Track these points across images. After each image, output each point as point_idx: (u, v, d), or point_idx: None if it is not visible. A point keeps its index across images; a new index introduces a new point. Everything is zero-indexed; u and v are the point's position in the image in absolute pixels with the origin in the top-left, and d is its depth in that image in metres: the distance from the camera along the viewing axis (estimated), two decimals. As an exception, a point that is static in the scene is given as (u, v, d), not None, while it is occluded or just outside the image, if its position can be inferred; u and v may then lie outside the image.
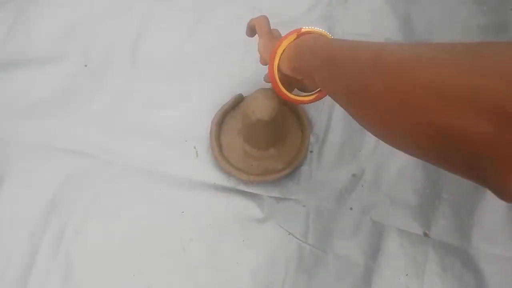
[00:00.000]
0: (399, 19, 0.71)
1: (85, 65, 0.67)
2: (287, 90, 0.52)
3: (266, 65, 0.54)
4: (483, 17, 0.71)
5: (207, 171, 0.60)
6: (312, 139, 0.61)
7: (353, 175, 0.60)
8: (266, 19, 0.58)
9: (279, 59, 0.49)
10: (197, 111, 0.63)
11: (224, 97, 0.63)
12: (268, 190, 0.58)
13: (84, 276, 0.54)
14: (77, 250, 0.55)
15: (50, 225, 0.56)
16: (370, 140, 0.61)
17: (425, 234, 0.56)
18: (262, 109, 0.53)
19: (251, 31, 0.60)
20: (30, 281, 0.53)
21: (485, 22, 0.71)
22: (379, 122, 0.34)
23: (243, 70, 0.67)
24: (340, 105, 0.40)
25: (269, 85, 0.61)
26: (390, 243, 0.56)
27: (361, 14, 0.72)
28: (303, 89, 0.55)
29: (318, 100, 0.51)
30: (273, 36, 0.55)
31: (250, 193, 0.58)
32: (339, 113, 0.64)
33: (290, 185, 0.59)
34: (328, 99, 0.65)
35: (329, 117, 0.63)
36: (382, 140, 0.35)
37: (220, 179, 0.59)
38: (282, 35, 0.52)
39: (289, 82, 0.53)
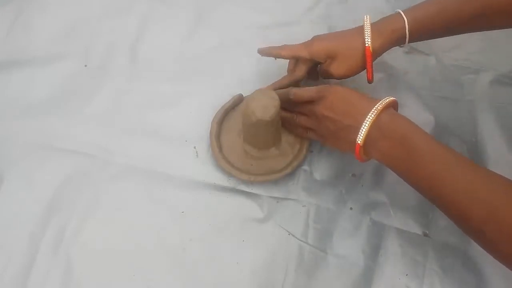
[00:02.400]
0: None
1: (85, 65, 0.67)
2: None
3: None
4: (483, 17, 0.71)
5: (207, 171, 0.60)
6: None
7: (353, 175, 0.59)
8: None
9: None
10: (197, 111, 0.63)
11: (224, 97, 0.63)
12: (268, 190, 0.58)
13: (84, 276, 0.54)
14: (77, 250, 0.55)
15: (50, 225, 0.56)
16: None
17: (425, 234, 0.56)
18: (262, 109, 0.53)
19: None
20: (30, 281, 0.53)
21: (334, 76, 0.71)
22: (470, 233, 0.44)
23: (243, 70, 0.67)
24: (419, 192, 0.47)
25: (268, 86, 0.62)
26: (390, 243, 0.56)
27: (361, 14, 0.71)
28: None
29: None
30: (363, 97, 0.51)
31: (250, 193, 0.58)
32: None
33: (290, 185, 0.59)
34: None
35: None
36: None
37: (220, 179, 0.59)
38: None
39: None
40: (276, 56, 0.62)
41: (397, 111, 0.51)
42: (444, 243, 0.55)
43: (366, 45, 0.55)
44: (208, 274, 0.54)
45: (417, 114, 0.64)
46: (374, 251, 0.55)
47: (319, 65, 0.61)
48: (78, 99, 0.64)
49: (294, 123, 0.58)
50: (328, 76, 0.59)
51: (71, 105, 0.64)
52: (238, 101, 0.63)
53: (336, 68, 0.57)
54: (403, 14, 0.55)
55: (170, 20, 0.71)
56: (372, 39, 0.55)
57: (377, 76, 0.66)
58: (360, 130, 0.48)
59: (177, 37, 0.69)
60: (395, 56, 0.68)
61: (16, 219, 0.56)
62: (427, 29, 0.56)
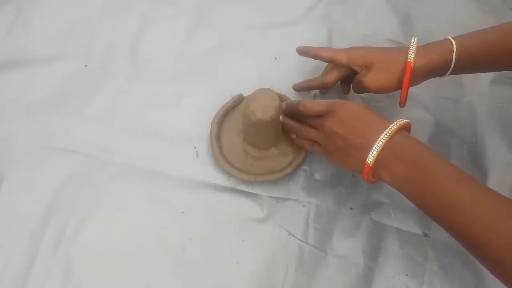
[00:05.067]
0: (399, 19, 0.71)
1: (85, 65, 0.67)
2: None
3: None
4: (483, 17, 0.71)
5: (207, 171, 0.60)
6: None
7: (353, 175, 0.59)
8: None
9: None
10: (197, 111, 0.63)
11: (224, 97, 0.63)
12: (268, 190, 0.58)
13: (84, 276, 0.54)
14: (77, 250, 0.55)
15: (50, 225, 0.56)
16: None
17: (425, 234, 0.56)
18: (262, 109, 0.53)
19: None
20: (30, 281, 0.53)
21: (485, 22, 0.71)
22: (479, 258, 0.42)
23: (243, 70, 0.67)
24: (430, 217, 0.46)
25: (269, 86, 0.62)
26: (390, 243, 0.56)
27: (361, 14, 0.72)
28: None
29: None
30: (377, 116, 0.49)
31: (250, 193, 0.58)
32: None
33: (290, 185, 0.59)
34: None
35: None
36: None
37: (220, 179, 0.59)
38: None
39: None
40: (314, 57, 0.60)
41: (409, 133, 0.49)
42: (444, 243, 0.55)
43: (408, 59, 0.52)
44: (208, 274, 0.54)
45: (417, 114, 0.64)
46: (374, 251, 0.55)
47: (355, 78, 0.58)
48: (78, 99, 0.64)
49: (301, 135, 0.56)
50: (361, 87, 0.56)
51: (71, 105, 0.64)
52: (238, 101, 0.63)
53: (371, 79, 0.54)
54: (451, 39, 0.53)
55: (170, 20, 0.71)
56: (416, 56, 0.52)
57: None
58: (371, 150, 0.45)
59: (177, 37, 0.69)
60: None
61: (16, 219, 0.56)
62: (475, 58, 0.52)
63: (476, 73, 0.56)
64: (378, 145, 0.45)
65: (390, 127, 0.46)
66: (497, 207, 0.41)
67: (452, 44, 0.52)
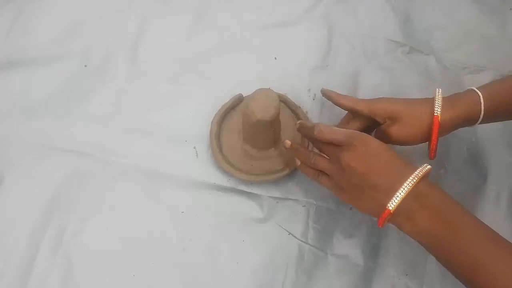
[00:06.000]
0: (399, 19, 0.71)
1: (85, 65, 0.67)
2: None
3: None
4: (483, 17, 0.71)
5: (207, 171, 0.60)
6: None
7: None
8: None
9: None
10: (197, 111, 0.63)
11: (224, 97, 0.63)
12: (268, 190, 0.58)
13: (84, 276, 0.54)
14: (77, 250, 0.55)
15: (50, 225, 0.56)
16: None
17: (425, 234, 0.56)
18: (262, 110, 0.53)
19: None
20: (30, 281, 0.53)
21: (485, 22, 0.71)
22: None
23: (243, 70, 0.67)
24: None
25: (269, 86, 0.61)
26: (390, 243, 0.56)
27: (361, 14, 0.72)
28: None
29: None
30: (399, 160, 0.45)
31: (250, 193, 0.58)
32: (338, 113, 0.64)
33: (290, 185, 0.59)
34: (327, 103, 0.65)
35: (329, 117, 0.63)
36: None
37: (220, 179, 0.59)
38: None
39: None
40: (335, 103, 0.57)
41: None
42: (444, 243, 0.55)
43: (435, 114, 0.49)
44: (208, 274, 0.54)
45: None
46: (374, 251, 0.55)
47: (376, 129, 0.55)
48: (78, 99, 0.64)
49: (308, 162, 0.50)
50: (384, 139, 0.51)
51: (71, 105, 0.64)
52: (238, 101, 0.63)
53: (396, 131, 0.51)
54: (477, 90, 0.51)
55: (170, 20, 0.71)
56: (442, 109, 0.49)
57: (377, 77, 0.67)
58: (395, 196, 0.42)
59: (177, 37, 0.69)
60: (395, 56, 0.68)
61: (16, 219, 0.56)
62: (504, 107, 0.50)
63: (506, 120, 0.54)
64: (404, 191, 0.42)
65: (416, 172, 0.42)
66: None
67: (479, 96, 0.50)
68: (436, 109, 0.50)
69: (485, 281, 0.40)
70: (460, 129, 0.62)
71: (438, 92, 0.51)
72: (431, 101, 0.50)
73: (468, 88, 0.52)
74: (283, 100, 0.63)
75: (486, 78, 0.66)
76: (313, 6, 0.72)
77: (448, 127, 0.51)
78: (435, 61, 0.68)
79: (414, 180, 0.42)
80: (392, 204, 0.42)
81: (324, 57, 0.68)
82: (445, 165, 0.60)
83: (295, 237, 0.56)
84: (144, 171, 0.59)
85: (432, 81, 0.66)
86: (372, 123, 0.55)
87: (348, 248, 0.56)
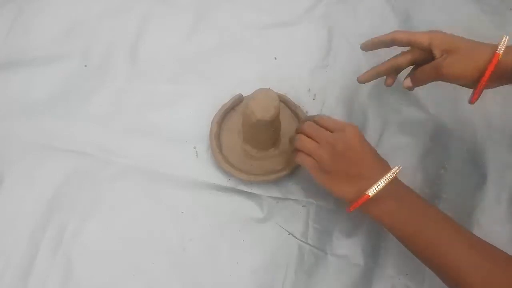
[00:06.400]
0: (399, 19, 0.71)
1: (85, 65, 0.67)
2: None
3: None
4: (483, 16, 0.71)
5: (207, 171, 0.60)
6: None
7: (353, 175, 0.59)
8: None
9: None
10: (197, 111, 0.63)
11: (224, 97, 0.63)
12: (268, 190, 0.58)
13: (84, 276, 0.54)
14: (77, 250, 0.55)
15: (50, 225, 0.56)
16: (369, 140, 0.61)
17: (425, 234, 0.56)
18: (262, 110, 0.53)
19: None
20: (30, 281, 0.53)
21: (485, 22, 0.71)
22: None
23: (243, 70, 0.67)
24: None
25: (269, 86, 0.61)
26: (390, 243, 0.56)
27: (361, 14, 0.72)
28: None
29: None
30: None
31: (250, 193, 0.58)
32: (339, 113, 0.64)
33: (290, 185, 0.59)
34: (327, 103, 0.65)
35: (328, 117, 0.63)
36: None
37: (220, 179, 0.59)
38: None
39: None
40: (389, 43, 0.56)
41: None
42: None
43: (498, 51, 0.48)
44: (208, 274, 0.55)
45: (417, 114, 0.64)
46: (374, 251, 0.55)
47: (427, 64, 0.53)
48: (78, 99, 0.64)
49: (300, 144, 0.52)
50: (436, 73, 0.52)
51: (71, 105, 0.64)
52: (238, 101, 0.63)
53: (450, 63, 0.50)
54: None
55: (170, 20, 0.71)
56: (505, 50, 0.48)
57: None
58: (377, 184, 0.46)
59: (177, 37, 0.69)
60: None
61: (16, 219, 0.56)
62: None
63: None
64: (385, 181, 0.46)
65: (396, 168, 0.47)
66: (475, 247, 0.44)
67: None
68: (500, 47, 0.48)
69: (441, 261, 0.44)
70: (460, 129, 0.62)
71: (505, 38, 0.50)
72: (496, 44, 0.49)
73: None
74: (283, 100, 0.63)
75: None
76: (313, 6, 0.72)
77: (502, 73, 0.49)
78: (435, 61, 0.67)
79: (394, 174, 0.47)
80: (372, 191, 0.46)
81: (324, 57, 0.68)
82: (445, 165, 0.60)
83: (295, 237, 0.56)
84: (144, 171, 0.59)
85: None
86: (424, 58, 0.53)
87: (348, 248, 0.56)
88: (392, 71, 0.57)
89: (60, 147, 0.60)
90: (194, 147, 0.61)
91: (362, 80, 0.59)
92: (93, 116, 0.63)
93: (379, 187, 0.46)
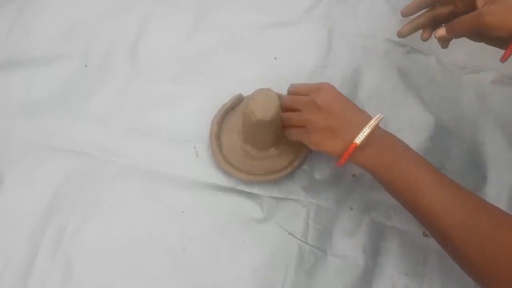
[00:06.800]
0: (399, 19, 0.71)
1: (85, 65, 0.67)
2: None
3: None
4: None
5: (207, 171, 0.60)
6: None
7: (353, 175, 0.60)
8: None
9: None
10: (197, 111, 0.63)
11: (224, 97, 0.63)
12: (268, 190, 0.58)
13: (84, 276, 0.54)
14: (77, 250, 0.55)
15: (50, 225, 0.56)
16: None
17: (425, 234, 0.56)
18: (262, 110, 0.53)
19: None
20: (30, 281, 0.53)
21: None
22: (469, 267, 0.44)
23: (243, 70, 0.67)
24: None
25: (269, 86, 0.61)
26: (390, 243, 0.56)
27: (361, 14, 0.72)
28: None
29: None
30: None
31: (250, 193, 0.58)
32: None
33: (290, 185, 0.59)
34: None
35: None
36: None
37: (220, 179, 0.59)
38: None
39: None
40: (429, 2, 0.55)
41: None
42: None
43: None
44: (208, 274, 0.55)
45: (417, 114, 0.64)
46: (374, 251, 0.55)
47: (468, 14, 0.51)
48: (78, 99, 0.64)
49: (285, 120, 0.55)
50: (477, 21, 0.50)
51: (71, 105, 0.64)
52: (238, 101, 0.63)
53: (493, 12, 0.48)
54: None
55: (170, 20, 0.71)
56: None
57: (377, 77, 0.67)
58: (362, 132, 0.47)
59: (177, 37, 0.69)
60: (395, 56, 0.68)
61: (16, 219, 0.56)
62: None
63: None
64: (369, 128, 0.48)
65: (378, 115, 0.49)
66: (453, 191, 0.46)
67: None
68: None
69: (420, 203, 0.46)
70: (460, 129, 0.62)
71: None
72: None
73: None
74: (283, 100, 0.63)
75: (486, 78, 0.66)
76: (313, 6, 0.72)
77: None
78: (435, 61, 0.67)
79: (377, 121, 0.48)
80: (359, 139, 0.47)
81: (324, 57, 0.68)
82: (445, 165, 0.60)
83: (295, 237, 0.56)
84: (144, 171, 0.59)
85: (432, 81, 0.66)
86: (464, 10, 0.52)
87: (348, 248, 0.56)
88: (430, 24, 0.56)
89: (60, 147, 0.60)
90: (194, 147, 0.61)
91: (402, 34, 0.59)
92: (93, 116, 0.63)
93: (364, 134, 0.47)
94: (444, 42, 0.56)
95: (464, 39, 0.69)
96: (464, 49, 0.68)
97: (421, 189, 0.46)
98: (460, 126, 0.63)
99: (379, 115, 0.49)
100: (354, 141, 0.48)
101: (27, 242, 0.55)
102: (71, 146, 0.60)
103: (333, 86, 0.52)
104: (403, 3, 0.73)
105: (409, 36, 0.70)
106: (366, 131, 0.47)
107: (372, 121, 0.48)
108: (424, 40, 0.59)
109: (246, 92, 0.62)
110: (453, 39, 0.55)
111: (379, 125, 0.50)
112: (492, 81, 0.65)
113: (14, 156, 0.60)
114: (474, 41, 0.56)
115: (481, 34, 0.53)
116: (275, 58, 0.68)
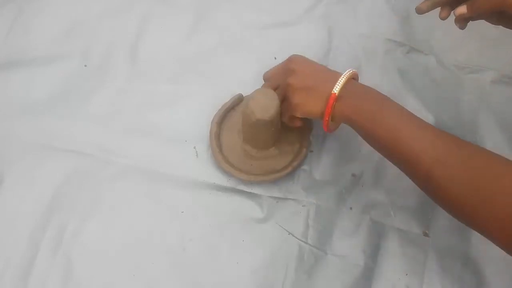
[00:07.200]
0: (399, 19, 0.71)
1: (85, 65, 0.67)
2: None
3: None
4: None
5: (207, 171, 0.60)
6: (312, 139, 0.61)
7: (353, 175, 0.60)
8: None
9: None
10: (197, 111, 0.63)
11: (224, 97, 0.63)
12: (268, 190, 0.58)
13: (84, 276, 0.54)
14: (77, 250, 0.55)
15: (50, 225, 0.56)
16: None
17: (425, 234, 0.56)
18: (262, 109, 0.53)
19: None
20: (30, 281, 0.53)
21: (485, 22, 0.71)
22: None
23: (243, 70, 0.67)
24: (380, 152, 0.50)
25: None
26: (390, 243, 0.56)
27: (361, 14, 0.72)
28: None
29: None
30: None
31: (250, 193, 0.58)
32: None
33: (290, 185, 0.59)
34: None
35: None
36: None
37: (220, 179, 0.59)
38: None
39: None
40: None
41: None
42: (444, 243, 0.55)
43: None
44: (208, 274, 0.55)
45: (417, 114, 0.63)
46: (374, 251, 0.55)
47: None
48: (78, 99, 0.64)
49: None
50: (498, 1, 0.49)
51: (71, 105, 0.64)
52: (238, 101, 0.63)
53: None
54: None
55: (170, 20, 0.71)
56: None
57: (377, 77, 0.67)
58: (338, 82, 0.49)
59: (177, 37, 0.69)
60: (395, 56, 0.68)
61: (16, 219, 0.56)
62: None
63: None
64: (344, 78, 0.50)
65: (348, 70, 0.51)
66: (432, 132, 0.47)
67: None
68: None
69: (399, 147, 0.46)
70: (460, 129, 0.62)
71: None
72: None
73: None
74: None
75: (486, 78, 0.66)
76: (313, 6, 0.72)
77: None
78: (435, 61, 0.68)
79: (350, 72, 0.51)
80: (336, 89, 0.49)
81: (324, 57, 0.68)
82: (445, 165, 0.60)
83: (295, 237, 0.56)
84: (144, 171, 0.59)
85: (432, 81, 0.66)
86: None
87: (348, 248, 0.56)
88: (449, 2, 0.55)
89: (60, 147, 0.60)
90: (194, 147, 0.61)
91: (421, 10, 0.57)
92: (93, 116, 0.63)
93: (340, 83, 0.49)
94: (462, 22, 0.55)
95: (465, 39, 0.69)
96: (464, 49, 0.68)
97: (402, 136, 0.46)
98: (460, 126, 0.63)
99: (351, 69, 0.51)
100: (332, 91, 0.49)
101: (27, 242, 0.55)
102: (71, 146, 0.60)
103: (302, 55, 0.55)
104: (403, 3, 0.73)
105: (409, 36, 0.70)
106: (341, 80, 0.49)
107: (345, 72, 0.50)
108: (443, 19, 0.56)
109: (246, 92, 0.62)
110: (470, 21, 0.54)
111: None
112: (492, 81, 0.66)
113: (14, 156, 0.60)
114: (492, 23, 0.55)
115: (501, 15, 0.53)
116: (275, 58, 0.68)
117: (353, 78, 0.52)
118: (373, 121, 0.48)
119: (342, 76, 0.50)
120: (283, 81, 0.54)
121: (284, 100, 0.55)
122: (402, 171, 0.48)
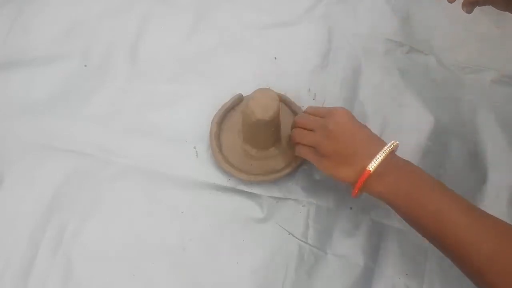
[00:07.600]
0: (399, 19, 0.71)
1: (85, 65, 0.67)
2: None
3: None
4: (483, 17, 0.71)
5: (207, 171, 0.60)
6: (312, 139, 0.61)
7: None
8: None
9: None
10: (197, 111, 0.63)
11: (224, 97, 0.63)
12: (268, 190, 0.58)
13: (84, 276, 0.54)
14: (77, 250, 0.55)
15: (50, 225, 0.56)
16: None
17: (425, 234, 0.56)
18: (262, 109, 0.53)
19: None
20: (30, 281, 0.53)
21: (485, 22, 0.71)
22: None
23: (243, 70, 0.67)
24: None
25: (269, 86, 0.62)
26: (390, 243, 0.56)
27: (361, 14, 0.72)
28: None
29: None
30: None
31: (250, 193, 0.58)
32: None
33: (290, 185, 0.59)
34: (327, 103, 0.65)
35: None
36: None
37: (220, 179, 0.59)
38: None
39: None
40: None
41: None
42: (444, 243, 0.55)
43: None
44: (208, 274, 0.55)
45: (417, 114, 0.64)
46: (374, 251, 0.55)
47: None
48: (78, 99, 0.64)
49: (300, 138, 0.54)
50: None
51: (71, 105, 0.64)
52: (238, 101, 0.63)
53: None
54: None
55: (170, 20, 0.71)
56: None
57: (377, 77, 0.67)
58: (375, 158, 0.46)
59: (177, 37, 0.69)
60: (395, 56, 0.68)
61: (16, 219, 0.56)
62: None
63: None
64: (383, 155, 0.46)
65: (392, 142, 0.47)
66: (480, 220, 0.42)
67: None
68: None
69: (448, 233, 0.42)
70: (460, 129, 0.62)
71: None
72: None
73: None
74: (283, 100, 0.63)
75: (486, 78, 0.66)
76: (313, 6, 0.72)
77: None
78: (435, 61, 0.68)
79: (390, 148, 0.47)
80: (372, 166, 0.46)
81: (324, 57, 0.68)
82: (445, 165, 0.60)
83: (295, 237, 0.56)
84: (144, 171, 0.59)
85: (432, 81, 0.66)
86: None
87: (348, 248, 0.56)
88: None
89: (60, 147, 0.60)
90: (194, 147, 0.61)
91: (467, 8, 0.56)
92: (93, 116, 0.63)
93: (378, 160, 0.46)
94: (469, 6, 0.53)
95: (465, 39, 0.69)
96: (464, 49, 0.68)
97: (448, 221, 0.42)
98: (460, 126, 0.63)
99: (393, 141, 0.48)
100: (367, 168, 0.46)
101: (27, 242, 0.55)
102: (71, 146, 0.60)
103: (348, 111, 0.51)
104: (403, 3, 0.73)
105: (409, 36, 0.70)
106: (379, 157, 0.46)
107: (385, 147, 0.46)
108: (450, 2, 0.56)
109: (246, 92, 0.62)
110: (477, 6, 0.54)
111: (395, 152, 0.48)
112: (492, 81, 0.66)
113: (14, 156, 0.60)
114: (499, 9, 0.54)
115: (508, 0, 0.52)
116: (275, 58, 0.68)
117: (393, 150, 0.48)
118: (412, 205, 0.45)
119: (382, 151, 0.46)
120: (318, 135, 0.50)
121: (312, 148, 0.52)
122: (449, 259, 0.44)
